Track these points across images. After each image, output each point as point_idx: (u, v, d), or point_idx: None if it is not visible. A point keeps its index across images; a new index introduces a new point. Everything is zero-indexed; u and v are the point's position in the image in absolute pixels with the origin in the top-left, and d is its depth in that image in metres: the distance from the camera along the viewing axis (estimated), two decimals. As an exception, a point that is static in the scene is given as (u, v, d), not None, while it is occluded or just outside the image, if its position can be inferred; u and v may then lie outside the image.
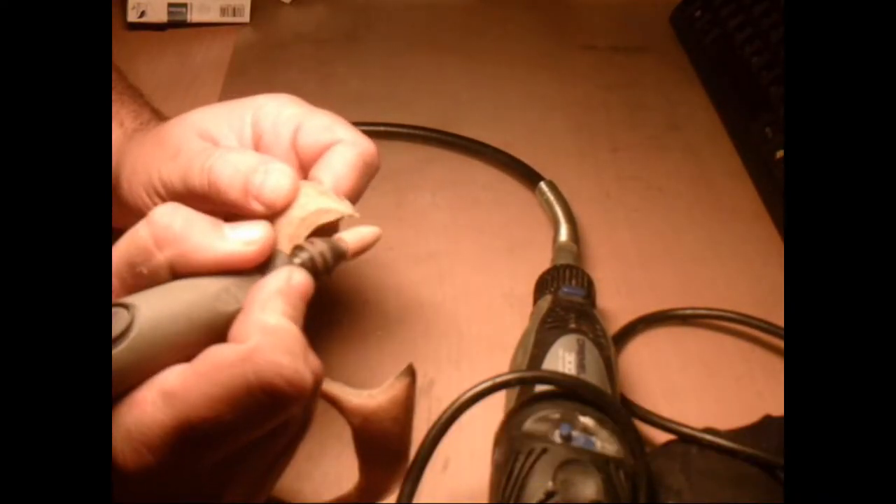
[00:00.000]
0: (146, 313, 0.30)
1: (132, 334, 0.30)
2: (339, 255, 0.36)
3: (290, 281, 0.33)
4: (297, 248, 0.36)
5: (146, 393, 0.30)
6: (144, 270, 0.32)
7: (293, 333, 0.31)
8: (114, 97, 0.52)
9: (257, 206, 0.37)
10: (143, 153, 0.44)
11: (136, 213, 0.45)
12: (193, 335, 0.31)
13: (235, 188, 0.37)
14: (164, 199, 0.41)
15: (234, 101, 0.45)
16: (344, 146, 0.40)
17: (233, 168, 0.38)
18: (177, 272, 0.33)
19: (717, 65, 0.75)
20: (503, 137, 0.68)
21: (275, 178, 0.37)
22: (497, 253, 0.59)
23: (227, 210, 0.38)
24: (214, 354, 0.31)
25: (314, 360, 0.32)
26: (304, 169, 0.42)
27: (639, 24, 0.85)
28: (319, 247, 0.36)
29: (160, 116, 0.51)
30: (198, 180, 0.39)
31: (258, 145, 0.42)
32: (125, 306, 0.31)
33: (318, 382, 0.31)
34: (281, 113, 0.42)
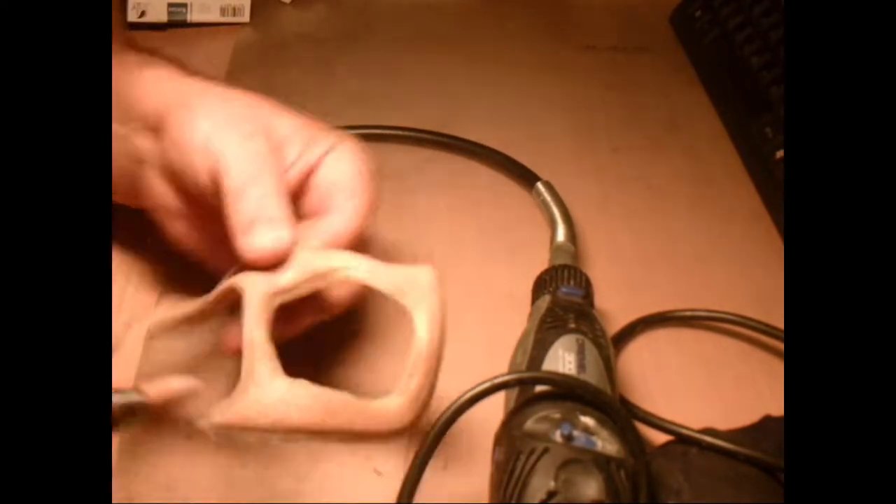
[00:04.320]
0: None
1: None
2: (132, 409, 0.36)
3: None
4: None
5: None
6: None
7: None
8: None
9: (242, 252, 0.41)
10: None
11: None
12: None
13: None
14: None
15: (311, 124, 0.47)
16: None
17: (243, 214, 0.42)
18: None
19: (717, 65, 0.75)
20: (503, 137, 0.67)
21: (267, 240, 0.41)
22: (497, 253, 0.59)
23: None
24: None
25: None
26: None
27: (639, 24, 0.85)
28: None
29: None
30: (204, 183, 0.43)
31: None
32: None
33: None
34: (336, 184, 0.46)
